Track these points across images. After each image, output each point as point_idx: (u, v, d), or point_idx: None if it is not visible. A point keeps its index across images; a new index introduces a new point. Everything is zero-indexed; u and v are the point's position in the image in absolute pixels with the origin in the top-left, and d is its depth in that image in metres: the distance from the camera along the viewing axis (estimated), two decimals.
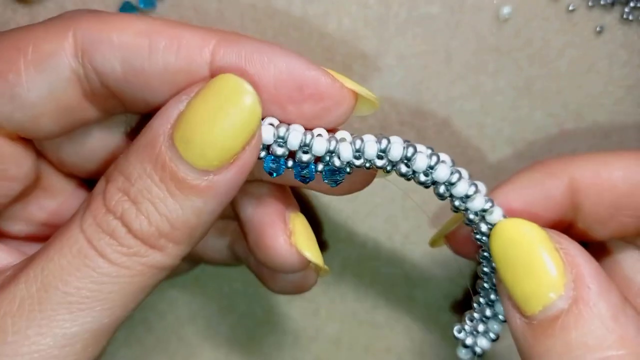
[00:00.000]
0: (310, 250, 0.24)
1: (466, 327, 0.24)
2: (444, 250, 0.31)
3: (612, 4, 0.29)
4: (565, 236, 0.20)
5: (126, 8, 0.28)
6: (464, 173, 0.21)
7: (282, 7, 0.28)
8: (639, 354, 0.18)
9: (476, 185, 0.21)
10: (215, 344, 0.34)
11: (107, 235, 0.19)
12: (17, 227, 0.25)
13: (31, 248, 0.23)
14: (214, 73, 0.20)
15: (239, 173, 0.20)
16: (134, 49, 0.20)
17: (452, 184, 0.20)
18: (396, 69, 0.29)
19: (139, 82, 0.20)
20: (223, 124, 0.19)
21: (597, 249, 0.25)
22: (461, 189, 0.20)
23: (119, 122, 0.24)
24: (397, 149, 0.20)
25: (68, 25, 0.20)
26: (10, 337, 0.19)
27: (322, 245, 0.32)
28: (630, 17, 0.29)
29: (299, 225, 0.24)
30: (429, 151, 0.20)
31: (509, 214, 0.21)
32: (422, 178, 0.20)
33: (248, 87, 0.19)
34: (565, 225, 0.23)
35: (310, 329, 0.33)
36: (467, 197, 0.20)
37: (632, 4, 0.29)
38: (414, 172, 0.20)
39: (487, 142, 0.30)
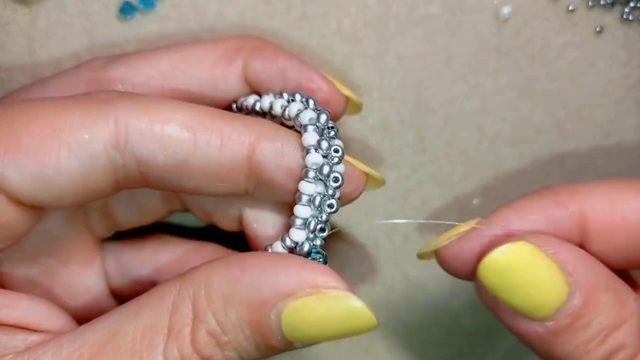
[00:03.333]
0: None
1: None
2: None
3: (612, 4, 0.29)
4: (550, 237, 0.21)
5: (126, 8, 0.28)
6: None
7: (282, 7, 0.28)
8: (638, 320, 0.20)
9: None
10: None
11: None
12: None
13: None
14: (251, 166, 0.21)
15: None
16: (179, 143, 0.20)
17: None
18: (396, 69, 0.29)
19: (180, 172, 0.20)
20: (333, 334, 0.20)
21: None
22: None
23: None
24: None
25: (108, 112, 0.20)
26: None
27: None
28: (630, 17, 0.29)
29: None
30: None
31: (512, 237, 0.21)
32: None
33: (370, 316, 0.19)
34: None
35: None
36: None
37: (632, 4, 0.29)
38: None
39: (487, 142, 0.30)
